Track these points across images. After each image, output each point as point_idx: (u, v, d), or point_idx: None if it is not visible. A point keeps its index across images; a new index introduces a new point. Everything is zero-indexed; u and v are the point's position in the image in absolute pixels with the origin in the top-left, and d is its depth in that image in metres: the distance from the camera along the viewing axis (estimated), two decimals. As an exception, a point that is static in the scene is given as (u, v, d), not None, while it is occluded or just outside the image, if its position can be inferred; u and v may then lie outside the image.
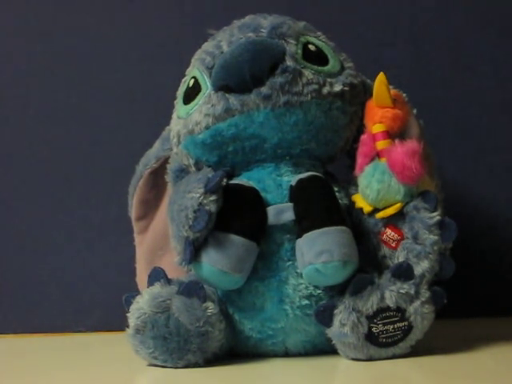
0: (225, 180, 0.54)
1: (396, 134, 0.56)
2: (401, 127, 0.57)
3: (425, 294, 0.52)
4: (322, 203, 0.54)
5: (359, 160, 0.57)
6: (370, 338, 0.51)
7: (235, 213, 0.54)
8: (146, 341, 0.52)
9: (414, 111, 0.60)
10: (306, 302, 0.53)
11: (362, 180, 0.56)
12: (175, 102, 0.62)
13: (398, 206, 0.54)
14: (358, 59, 0.62)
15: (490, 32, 0.80)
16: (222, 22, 0.61)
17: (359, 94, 0.60)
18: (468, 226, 0.77)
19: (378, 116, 0.57)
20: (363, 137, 0.57)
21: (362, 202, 0.56)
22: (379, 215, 0.55)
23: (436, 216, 0.54)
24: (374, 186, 0.54)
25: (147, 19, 0.81)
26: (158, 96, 0.79)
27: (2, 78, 0.82)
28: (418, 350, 0.53)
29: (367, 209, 0.56)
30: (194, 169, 0.60)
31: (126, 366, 0.56)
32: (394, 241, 0.55)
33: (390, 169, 0.54)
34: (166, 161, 0.65)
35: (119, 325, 0.56)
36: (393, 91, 0.58)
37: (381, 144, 0.55)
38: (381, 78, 0.56)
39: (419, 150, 0.53)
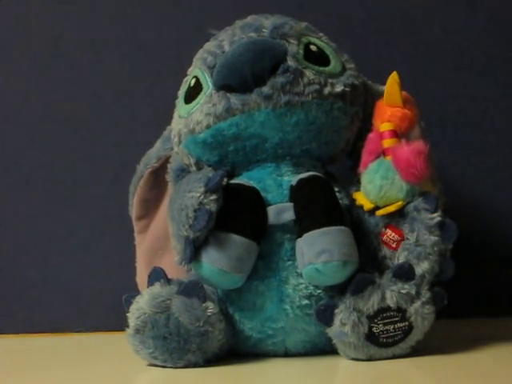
0: (225, 179, 0.55)
1: (403, 134, 0.56)
2: (408, 128, 0.57)
3: (425, 294, 0.52)
4: (322, 203, 0.54)
5: (364, 157, 0.57)
6: (371, 337, 0.51)
7: (235, 212, 0.54)
8: (146, 341, 0.52)
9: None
10: (306, 301, 0.53)
11: (366, 176, 0.56)
12: (176, 101, 0.62)
13: (400, 204, 0.54)
14: (358, 59, 0.62)
15: (490, 32, 0.80)
16: (223, 22, 0.61)
17: (360, 95, 0.60)
18: (468, 226, 0.77)
19: (388, 115, 0.57)
20: (370, 135, 0.57)
21: (362, 199, 0.56)
22: (380, 212, 0.55)
23: (436, 217, 0.54)
24: (377, 181, 0.55)
25: (148, 19, 0.81)
26: (159, 95, 0.79)
27: (2, 78, 0.82)
28: (418, 350, 0.53)
29: (368, 206, 0.56)
30: (194, 168, 0.60)
31: (125, 366, 0.56)
32: (394, 241, 0.55)
33: (395, 166, 0.54)
34: (166, 160, 0.65)
35: (119, 325, 0.56)
36: (404, 93, 0.58)
37: (387, 142, 0.56)
38: (394, 76, 0.57)
39: (425, 151, 0.53)
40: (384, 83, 0.58)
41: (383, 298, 0.51)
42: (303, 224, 0.53)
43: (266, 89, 0.55)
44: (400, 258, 0.54)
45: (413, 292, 0.52)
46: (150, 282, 0.54)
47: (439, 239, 0.53)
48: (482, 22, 0.80)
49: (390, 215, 0.55)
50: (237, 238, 0.53)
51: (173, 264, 0.56)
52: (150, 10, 0.81)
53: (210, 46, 0.60)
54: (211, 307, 0.53)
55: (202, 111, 0.57)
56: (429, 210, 0.54)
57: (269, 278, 0.54)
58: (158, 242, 0.67)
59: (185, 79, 0.63)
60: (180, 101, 0.61)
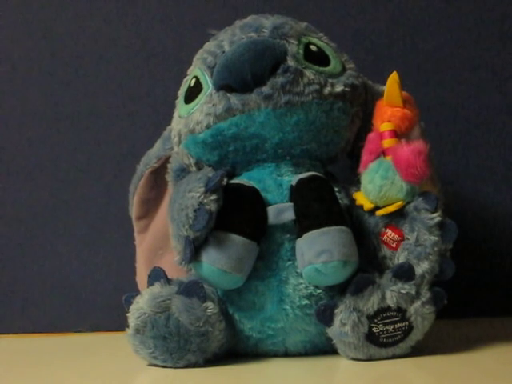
0: (225, 179, 0.55)
1: (403, 134, 0.56)
2: (408, 128, 0.57)
3: (425, 294, 0.52)
4: (322, 203, 0.54)
5: (364, 157, 0.57)
6: (371, 337, 0.51)
7: (235, 212, 0.54)
8: (146, 341, 0.52)
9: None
10: (306, 301, 0.53)
11: (366, 176, 0.56)
12: (176, 101, 0.62)
13: (400, 203, 0.54)
14: (358, 59, 0.62)
15: (490, 32, 0.80)
16: (223, 22, 0.61)
17: (360, 95, 0.60)
18: (468, 226, 0.77)
19: (387, 115, 0.57)
20: (370, 135, 0.57)
21: (362, 199, 0.56)
22: (380, 212, 0.55)
23: (436, 217, 0.54)
24: (377, 181, 0.55)
25: (148, 19, 0.81)
26: (159, 95, 0.79)
27: (3, 78, 0.82)
28: (418, 350, 0.53)
29: (368, 206, 0.56)
30: (194, 168, 0.60)
31: (125, 365, 0.56)
32: (394, 241, 0.55)
33: (395, 166, 0.54)
34: (166, 160, 0.65)
35: (119, 325, 0.56)
36: (404, 93, 0.58)
37: (387, 142, 0.56)
38: (394, 76, 0.57)
39: (425, 151, 0.53)
40: (384, 83, 0.58)
41: (383, 298, 0.51)
42: (303, 224, 0.53)
43: (265, 89, 0.55)
44: (400, 258, 0.54)
45: (413, 292, 0.52)
46: (150, 282, 0.54)
47: (439, 239, 0.54)
48: (483, 22, 0.80)
49: (390, 215, 0.55)
50: (237, 238, 0.53)
51: (173, 264, 0.56)
52: (150, 10, 0.81)
53: (209, 45, 0.60)
54: (211, 307, 0.53)
55: (201, 111, 0.57)
56: (429, 210, 0.54)
57: (269, 277, 0.54)
58: (158, 241, 0.67)
59: (185, 79, 0.63)
60: (180, 101, 0.61)
